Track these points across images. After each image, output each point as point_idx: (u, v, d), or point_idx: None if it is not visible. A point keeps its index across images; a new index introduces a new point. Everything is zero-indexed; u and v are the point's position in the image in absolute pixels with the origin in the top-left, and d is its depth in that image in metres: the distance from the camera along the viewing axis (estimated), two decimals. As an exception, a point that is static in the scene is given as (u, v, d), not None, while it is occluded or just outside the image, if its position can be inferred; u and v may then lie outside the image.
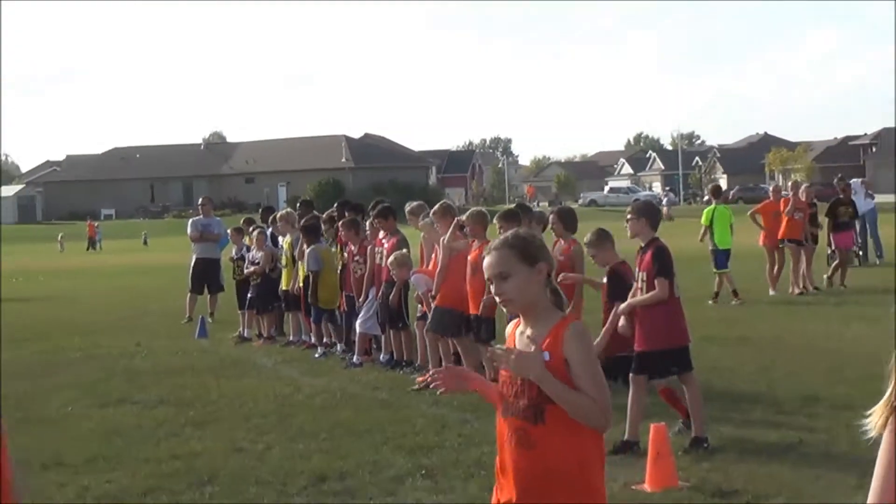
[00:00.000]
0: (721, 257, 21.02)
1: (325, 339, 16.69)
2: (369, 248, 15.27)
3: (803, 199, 22.88)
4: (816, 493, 8.13)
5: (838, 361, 13.92)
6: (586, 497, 4.42)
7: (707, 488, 8.38)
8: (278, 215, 18.55)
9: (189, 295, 21.06)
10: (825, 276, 23.20)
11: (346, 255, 15.93)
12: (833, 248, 23.67)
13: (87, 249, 65.73)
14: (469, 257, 12.76)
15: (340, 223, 16.24)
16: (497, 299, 4.70)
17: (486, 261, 4.68)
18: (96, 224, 74.92)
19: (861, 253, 27.27)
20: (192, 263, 21.37)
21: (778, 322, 18.28)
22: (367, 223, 15.67)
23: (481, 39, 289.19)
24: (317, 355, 16.27)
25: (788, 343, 15.76)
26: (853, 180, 29.53)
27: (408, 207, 15.37)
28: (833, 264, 23.34)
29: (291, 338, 17.68)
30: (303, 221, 16.90)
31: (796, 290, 21.89)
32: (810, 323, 17.92)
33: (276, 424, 11.39)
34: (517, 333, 4.66)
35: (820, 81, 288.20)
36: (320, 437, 10.62)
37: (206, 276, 21.17)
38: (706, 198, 53.48)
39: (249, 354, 16.88)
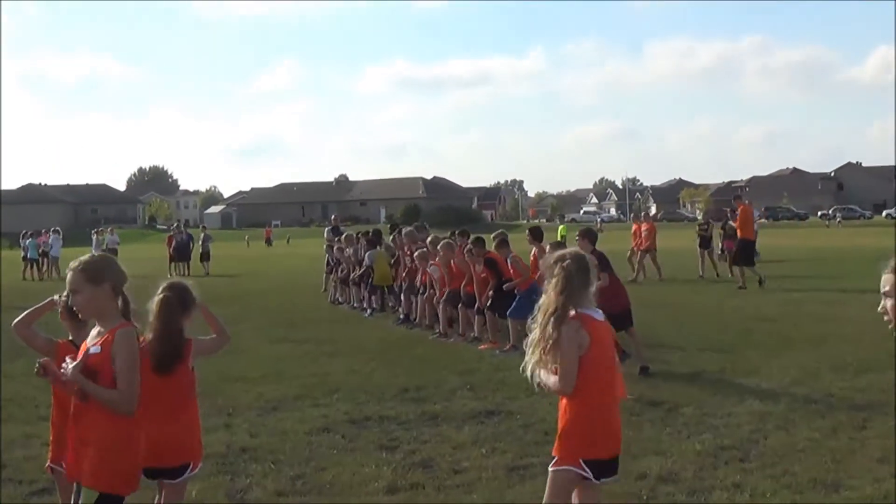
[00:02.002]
0: None
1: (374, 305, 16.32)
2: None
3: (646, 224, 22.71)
4: (714, 404, 7.93)
5: (722, 322, 13.65)
6: (113, 459, 3.65)
7: (644, 399, 8.20)
8: (351, 237, 18.15)
9: (325, 274, 21.03)
10: (722, 268, 22.46)
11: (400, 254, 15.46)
12: (723, 249, 23.11)
13: (266, 244, 65.90)
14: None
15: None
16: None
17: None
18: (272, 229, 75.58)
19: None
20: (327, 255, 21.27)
21: (681, 294, 17.93)
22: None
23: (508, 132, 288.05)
24: (366, 315, 15.91)
25: (691, 308, 15.47)
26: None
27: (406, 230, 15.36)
28: (719, 257, 22.94)
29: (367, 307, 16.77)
30: (369, 237, 16.96)
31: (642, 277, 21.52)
32: (702, 296, 17.56)
33: (376, 355, 11.29)
34: (94, 330, 3.83)
35: (714, 145, 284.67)
36: (404, 364, 10.53)
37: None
38: (642, 215, 52.69)
39: (360, 313, 16.70)
